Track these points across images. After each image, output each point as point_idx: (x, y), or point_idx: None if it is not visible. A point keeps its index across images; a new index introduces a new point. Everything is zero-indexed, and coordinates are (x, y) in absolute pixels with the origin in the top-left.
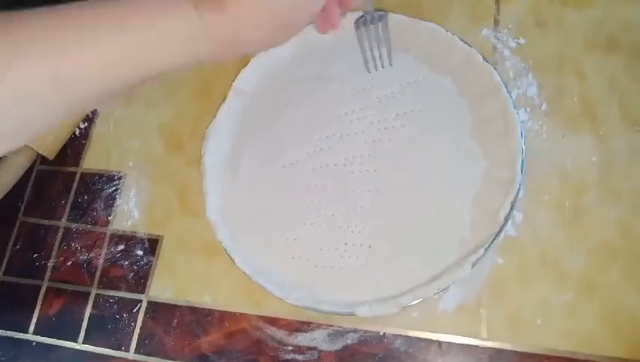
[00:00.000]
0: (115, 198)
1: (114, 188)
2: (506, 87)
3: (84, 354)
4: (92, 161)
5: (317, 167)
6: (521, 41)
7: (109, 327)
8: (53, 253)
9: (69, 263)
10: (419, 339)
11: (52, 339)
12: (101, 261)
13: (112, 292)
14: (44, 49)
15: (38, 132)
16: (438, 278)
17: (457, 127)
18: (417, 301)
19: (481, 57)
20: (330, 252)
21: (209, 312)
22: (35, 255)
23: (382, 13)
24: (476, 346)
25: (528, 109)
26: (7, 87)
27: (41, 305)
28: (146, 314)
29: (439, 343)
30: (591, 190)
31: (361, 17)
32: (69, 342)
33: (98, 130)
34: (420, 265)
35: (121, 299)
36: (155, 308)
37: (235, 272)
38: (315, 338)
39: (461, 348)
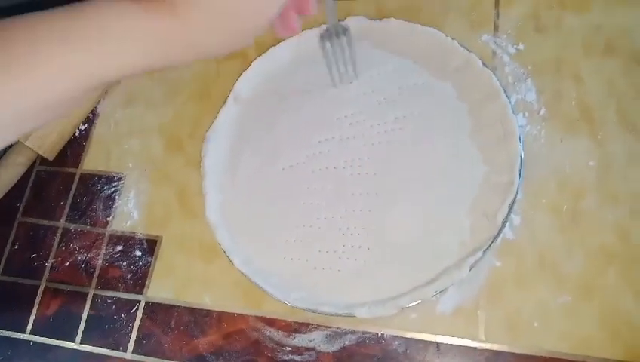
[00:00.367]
0: (114, 199)
1: (113, 189)
2: (505, 92)
3: (81, 354)
4: (92, 161)
5: (316, 170)
6: (520, 46)
7: (106, 327)
8: (52, 254)
9: (68, 263)
10: (417, 341)
11: (50, 339)
12: (99, 261)
13: (110, 293)
14: None
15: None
16: (437, 280)
17: (456, 131)
18: (416, 302)
19: (480, 62)
20: (329, 254)
21: (207, 313)
22: (34, 255)
23: (345, 26)
24: (474, 348)
25: (527, 114)
26: None
27: (39, 305)
28: (144, 314)
29: (437, 345)
30: (589, 194)
31: (325, 31)
32: (66, 342)
33: (98, 131)
34: (419, 267)
35: (119, 299)
36: (153, 308)
37: (234, 273)
38: (314, 339)
39: (459, 349)
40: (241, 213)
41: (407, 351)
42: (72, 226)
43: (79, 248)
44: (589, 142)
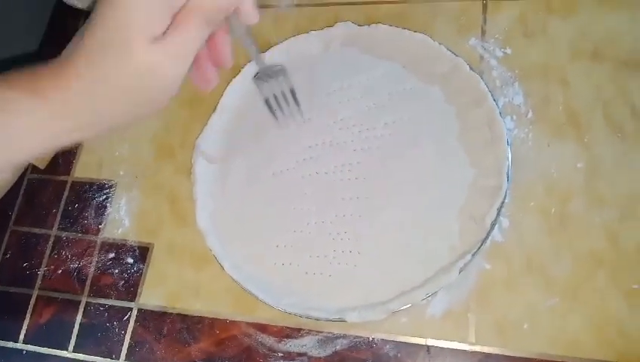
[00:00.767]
0: (105, 207)
1: (105, 196)
2: (492, 95)
3: None
4: (83, 169)
5: (306, 175)
6: (508, 50)
7: (99, 335)
8: (44, 262)
9: (60, 271)
10: (407, 344)
11: (43, 348)
12: (92, 269)
13: (102, 301)
14: None
15: None
16: (427, 284)
17: (445, 135)
18: (406, 306)
19: (467, 67)
20: (320, 259)
21: (199, 319)
22: (26, 263)
23: (279, 67)
24: (464, 351)
25: (515, 117)
26: None
27: (32, 313)
28: (136, 321)
29: (428, 348)
30: (576, 197)
31: (256, 75)
32: (59, 351)
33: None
34: (409, 271)
35: (111, 307)
36: (145, 315)
37: (225, 279)
38: (305, 345)
39: (449, 352)
40: (232, 219)
41: (398, 355)
42: (64, 234)
43: (71, 256)
44: (576, 146)
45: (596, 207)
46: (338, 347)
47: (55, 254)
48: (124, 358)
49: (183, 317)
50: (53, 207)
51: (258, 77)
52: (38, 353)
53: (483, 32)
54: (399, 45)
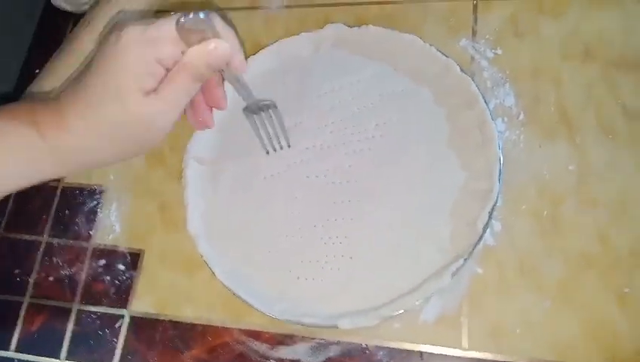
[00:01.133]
0: (96, 212)
1: (95, 202)
2: (483, 97)
3: None
4: (73, 175)
5: (298, 179)
6: (499, 51)
7: (91, 343)
8: (35, 269)
9: (51, 278)
10: (401, 350)
11: (34, 357)
12: (83, 276)
13: (93, 308)
14: None
15: None
16: (419, 289)
17: (435, 138)
18: (398, 312)
19: (458, 68)
20: (312, 263)
21: (191, 326)
22: (17, 270)
23: (268, 102)
24: (458, 356)
25: (506, 119)
26: None
27: (23, 321)
28: (128, 329)
29: (421, 354)
30: (568, 199)
31: (246, 108)
32: (51, 359)
33: None
34: (401, 275)
35: (103, 314)
36: (137, 322)
37: (217, 285)
38: (298, 352)
39: (443, 358)
40: (223, 224)
41: (392, 361)
42: (55, 240)
43: (62, 262)
44: (567, 147)
45: (588, 210)
46: (331, 354)
47: (46, 261)
48: None
49: (175, 324)
50: (44, 213)
51: (246, 110)
52: (30, 361)
53: (474, 33)
54: (389, 46)
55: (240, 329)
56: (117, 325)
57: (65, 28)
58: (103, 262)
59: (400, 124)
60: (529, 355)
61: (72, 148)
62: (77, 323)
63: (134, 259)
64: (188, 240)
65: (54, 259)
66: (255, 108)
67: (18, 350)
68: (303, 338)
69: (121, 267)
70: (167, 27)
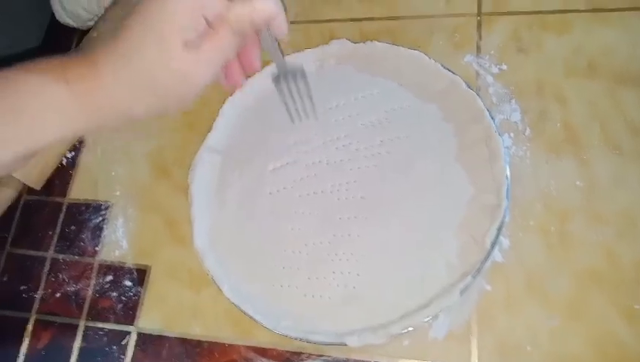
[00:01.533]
0: (102, 228)
1: (101, 218)
2: (489, 112)
3: None
4: (79, 190)
5: (304, 195)
6: (504, 67)
7: (98, 360)
8: (41, 285)
9: (58, 295)
10: None
11: None
12: (89, 292)
13: (100, 324)
14: None
15: None
16: (427, 306)
17: (443, 154)
18: (407, 329)
19: (464, 84)
20: (319, 280)
21: (198, 343)
22: (23, 287)
23: (299, 68)
24: None
25: (512, 135)
26: None
27: (30, 338)
28: (135, 345)
29: None
30: (576, 215)
31: (276, 76)
32: None
33: (85, 158)
34: (409, 292)
35: (110, 330)
36: (144, 339)
37: (224, 302)
38: None
39: None
40: (230, 240)
41: None
42: (61, 256)
43: (69, 279)
44: (574, 163)
45: (595, 226)
46: None
47: (52, 277)
48: None
49: (182, 341)
50: (50, 229)
51: (275, 78)
52: None
53: (478, 49)
54: (395, 63)
55: (247, 346)
56: (124, 342)
57: (69, 44)
58: (109, 278)
59: (406, 140)
60: None
61: (104, 102)
62: (84, 339)
63: (141, 275)
64: (194, 256)
65: (60, 275)
66: (283, 78)
67: None
68: (311, 356)
69: (128, 283)
70: None
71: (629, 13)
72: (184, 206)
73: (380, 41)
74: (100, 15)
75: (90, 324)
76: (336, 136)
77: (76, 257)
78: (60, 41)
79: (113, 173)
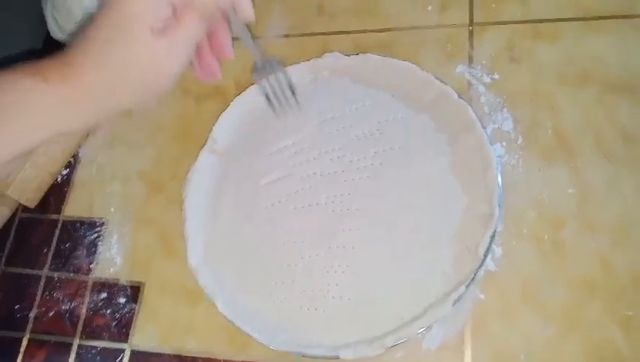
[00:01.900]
0: (97, 245)
1: (96, 234)
2: (481, 122)
3: None
4: (74, 207)
5: (298, 207)
6: (496, 76)
7: None
8: (36, 303)
9: (52, 313)
10: None
11: None
12: (84, 310)
13: (94, 342)
14: None
15: None
16: (421, 317)
17: (435, 164)
18: (401, 341)
19: (455, 94)
20: (315, 293)
21: (193, 359)
22: (17, 306)
23: (274, 60)
24: None
25: (504, 143)
26: None
27: (24, 357)
28: None
29: None
30: (569, 223)
31: (256, 69)
32: None
33: (80, 175)
34: (403, 303)
35: (104, 349)
36: (138, 357)
37: (219, 317)
38: None
39: None
40: (224, 254)
41: None
42: (56, 274)
43: (63, 297)
44: (567, 171)
45: (589, 233)
46: None
47: (47, 295)
48: None
49: (177, 357)
50: (45, 247)
51: (255, 72)
52: None
53: (470, 59)
54: (387, 74)
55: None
56: (118, 359)
57: None
58: (103, 295)
59: (399, 151)
60: None
61: (85, 99)
62: (78, 358)
63: (135, 292)
64: (189, 271)
65: (55, 294)
66: (262, 69)
67: None
68: None
69: (122, 300)
70: None
71: (619, 22)
72: (178, 221)
73: (373, 53)
74: None
75: (84, 343)
76: (330, 148)
77: (71, 275)
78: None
79: (108, 190)
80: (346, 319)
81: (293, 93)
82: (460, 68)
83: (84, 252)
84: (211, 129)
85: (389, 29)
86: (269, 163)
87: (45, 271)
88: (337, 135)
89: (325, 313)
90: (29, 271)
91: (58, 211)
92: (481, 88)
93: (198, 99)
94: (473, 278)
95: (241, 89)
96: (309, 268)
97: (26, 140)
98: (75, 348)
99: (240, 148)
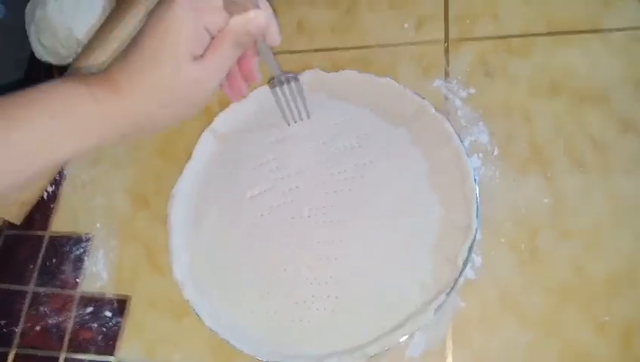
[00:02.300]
0: (83, 260)
1: (82, 249)
2: (458, 135)
3: None
4: (60, 223)
5: (281, 220)
6: (471, 90)
7: None
8: (22, 319)
9: (38, 328)
10: None
11: None
12: (70, 324)
13: (81, 356)
14: None
15: None
16: (403, 325)
17: (414, 176)
18: (384, 349)
19: (432, 108)
20: (299, 304)
21: None
22: (3, 321)
23: (292, 75)
24: None
25: (481, 155)
26: None
27: None
28: None
29: None
30: (544, 231)
31: (271, 80)
32: None
33: (65, 192)
34: (385, 313)
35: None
36: None
37: (205, 330)
38: None
39: None
40: (209, 268)
41: None
42: (42, 290)
43: (50, 311)
44: (541, 181)
45: (563, 241)
46: None
47: (33, 311)
48: None
49: None
50: (31, 263)
51: (272, 83)
52: None
53: (446, 74)
54: (365, 89)
55: None
56: None
57: (48, 80)
58: (90, 309)
59: (379, 164)
60: None
61: (126, 113)
62: None
63: (121, 306)
64: (174, 285)
65: (41, 309)
66: (279, 82)
67: None
68: None
69: (108, 314)
70: None
71: (586, 35)
72: (164, 235)
73: (351, 70)
74: (77, 52)
75: (71, 356)
76: (313, 162)
77: (57, 290)
78: (40, 78)
79: (93, 206)
80: (330, 329)
81: (304, 104)
82: (437, 82)
83: (71, 267)
84: (194, 144)
85: (366, 47)
86: (252, 177)
87: (32, 287)
88: (318, 149)
89: (310, 323)
90: (15, 287)
91: (44, 227)
92: (458, 102)
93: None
94: (453, 287)
95: (224, 105)
96: (292, 280)
97: (66, 149)
98: (62, 361)
99: (224, 162)
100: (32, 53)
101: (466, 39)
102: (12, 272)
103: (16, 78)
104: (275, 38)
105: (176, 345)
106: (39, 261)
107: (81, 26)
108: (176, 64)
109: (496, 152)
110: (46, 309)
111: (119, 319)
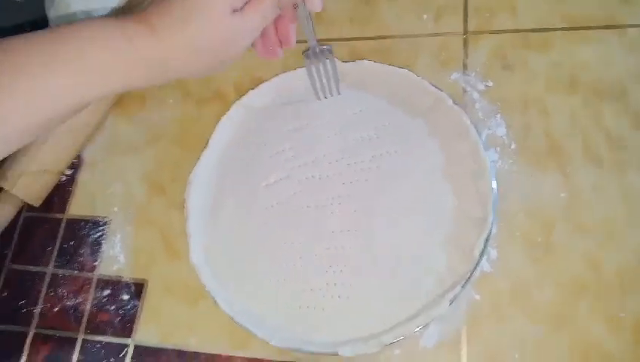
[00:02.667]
0: (100, 244)
1: (100, 233)
2: (476, 128)
3: None
4: (78, 207)
5: (297, 209)
6: (489, 83)
7: None
8: (40, 300)
9: (56, 309)
10: None
11: None
12: (88, 306)
13: (98, 338)
14: None
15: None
16: (418, 316)
17: (431, 168)
18: (398, 339)
19: (450, 100)
20: (314, 292)
21: (195, 355)
22: (22, 302)
23: (327, 47)
24: None
25: (498, 149)
26: None
27: (29, 352)
28: (132, 358)
29: None
30: (560, 225)
31: (307, 50)
32: None
33: (83, 176)
34: (400, 303)
35: (107, 344)
36: (141, 352)
37: (220, 314)
38: None
39: None
40: (225, 254)
41: None
42: (60, 271)
43: (67, 293)
44: (557, 175)
45: (579, 236)
46: None
47: (51, 292)
48: None
49: (179, 353)
50: (49, 245)
51: (307, 54)
52: None
53: (464, 66)
54: (383, 80)
55: (244, 358)
56: (121, 354)
57: None
58: (107, 292)
59: (396, 156)
60: None
61: (162, 59)
62: (82, 352)
63: (138, 289)
64: (190, 269)
65: (59, 290)
66: (313, 53)
67: None
68: None
69: (126, 297)
70: None
71: (603, 31)
72: (180, 221)
73: (369, 60)
74: None
75: (88, 338)
76: (329, 151)
77: (75, 272)
78: None
79: (111, 190)
80: (344, 317)
81: (336, 80)
82: (455, 75)
83: (89, 250)
84: (211, 131)
85: (385, 37)
86: (268, 165)
87: (50, 269)
88: (335, 139)
89: (324, 311)
90: (33, 268)
91: (62, 210)
92: (476, 95)
93: (199, 102)
94: (469, 278)
95: (241, 93)
96: (307, 268)
97: (97, 89)
98: (79, 342)
99: (241, 150)
100: None
101: (485, 32)
102: (31, 253)
103: None
104: (316, 2)
105: (192, 330)
106: (57, 243)
107: (101, 10)
108: (215, 18)
109: (513, 146)
110: (64, 291)
111: (136, 302)
